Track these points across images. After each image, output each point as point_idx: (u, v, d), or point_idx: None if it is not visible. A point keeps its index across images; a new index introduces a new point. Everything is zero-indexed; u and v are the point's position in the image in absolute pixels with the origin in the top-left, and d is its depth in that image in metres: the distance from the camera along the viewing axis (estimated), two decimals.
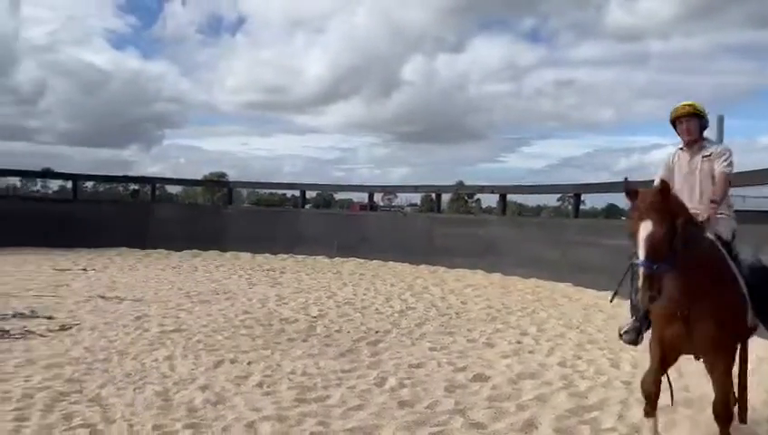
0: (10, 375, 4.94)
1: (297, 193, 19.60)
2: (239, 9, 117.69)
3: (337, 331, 7.10)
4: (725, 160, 4.00)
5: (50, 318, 7.16)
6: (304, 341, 6.55)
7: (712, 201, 3.90)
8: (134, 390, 4.68)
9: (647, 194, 3.33)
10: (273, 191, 27.80)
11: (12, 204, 17.93)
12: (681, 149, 4.18)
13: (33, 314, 7.30)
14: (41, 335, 6.33)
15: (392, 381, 5.08)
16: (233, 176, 31.95)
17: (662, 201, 3.25)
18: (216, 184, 27.14)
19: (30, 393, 4.48)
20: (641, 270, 3.16)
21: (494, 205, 16.90)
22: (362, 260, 15.02)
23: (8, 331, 6.39)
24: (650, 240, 3.17)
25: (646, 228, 3.19)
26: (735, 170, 4.19)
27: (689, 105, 4.08)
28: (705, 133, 4.24)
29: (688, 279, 3.38)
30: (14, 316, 7.15)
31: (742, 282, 3.60)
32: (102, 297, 8.82)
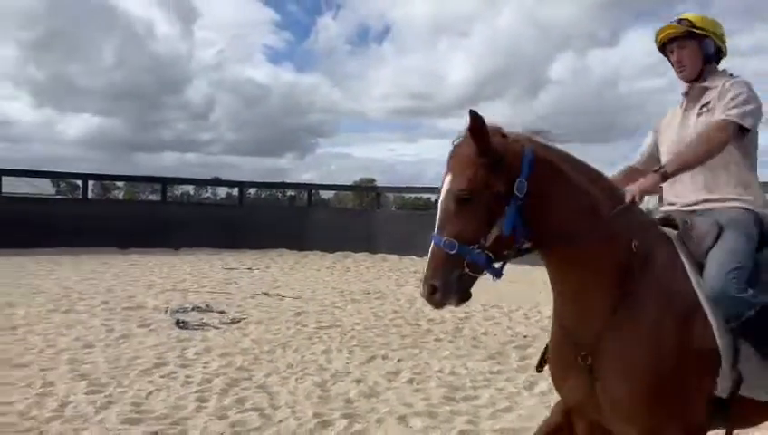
0: (191, 362, 5.55)
1: None
2: (385, 19, 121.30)
3: (483, 333, 7.11)
4: (734, 100, 2.48)
5: (222, 312, 7.90)
6: (451, 341, 6.64)
7: (657, 170, 2.45)
8: (296, 380, 5.06)
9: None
10: (419, 195, 28.26)
11: (187, 209, 19.90)
12: (684, 95, 2.77)
13: (208, 309, 8.11)
14: (215, 327, 7.02)
15: (542, 386, 5.01)
16: (380, 181, 32.92)
17: (475, 143, 2.12)
18: (366, 189, 28.18)
19: (208, 378, 5.01)
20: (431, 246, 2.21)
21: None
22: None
23: (188, 322, 7.15)
24: (445, 205, 2.22)
25: (444, 186, 2.24)
26: None
27: (684, 19, 2.64)
28: (722, 66, 2.75)
29: (589, 296, 2.21)
30: (192, 310, 7.99)
31: (710, 313, 2.17)
32: (266, 294, 9.57)
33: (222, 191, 31.37)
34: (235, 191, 22.28)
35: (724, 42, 2.69)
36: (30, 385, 4.67)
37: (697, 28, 2.61)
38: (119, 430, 3.86)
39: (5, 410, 4.10)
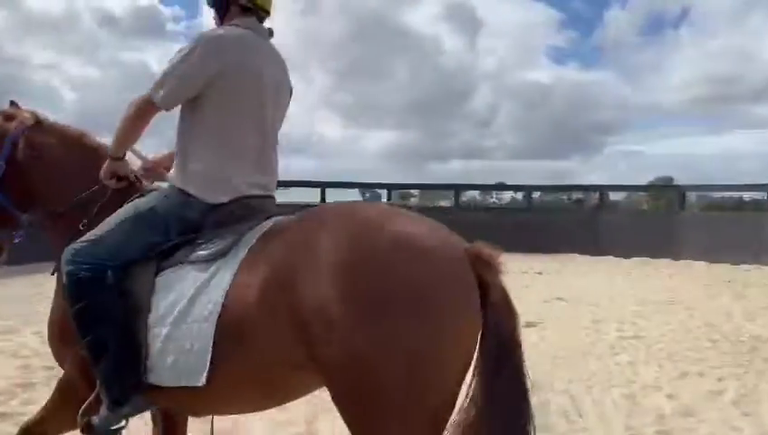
0: None
1: (762, 195, 17.20)
2: (682, 2, 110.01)
3: None
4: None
5: None
6: None
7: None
8: (601, 389, 4.90)
9: None
10: (728, 194, 24.96)
11: (477, 214, 20.63)
12: None
13: None
14: None
15: None
16: (679, 179, 29.89)
17: None
18: (663, 189, 25.93)
19: None
20: None
21: None
22: None
23: None
24: None
25: None
26: None
27: None
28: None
29: None
30: None
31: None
32: (560, 299, 9.43)
33: (507, 196, 31.83)
34: (520, 195, 22.42)
35: None
36: None
37: None
38: None
39: None
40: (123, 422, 2.09)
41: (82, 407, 2.13)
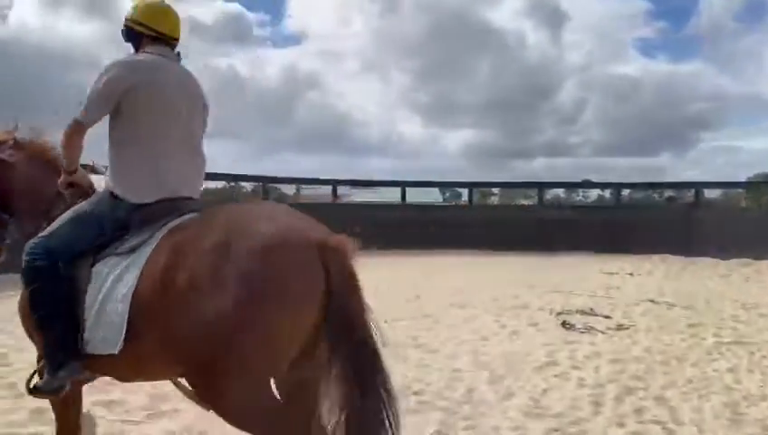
0: (581, 364, 5.57)
1: None
2: None
3: None
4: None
5: (607, 317, 7.74)
6: None
7: None
8: (698, 396, 4.64)
9: None
10: None
11: (563, 212, 20.08)
12: None
13: (593, 313, 8.03)
14: (601, 332, 6.91)
15: None
16: None
17: None
18: (765, 186, 24.30)
19: (601, 383, 4.96)
20: None
21: None
22: None
23: (573, 325, 7.21)
24: None
25: None
26: None
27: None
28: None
29: None
30: (576, 312, 8.02)
31: None
32: (652, 301, 9.02)
33: (593, 194, 30.78)
34: (608, 193, 21.60)
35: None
36: (441, 369, 5.32)
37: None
38: (521, 421, 4.11)
39: (424, 389, 4.75)
40: (63, 384, 2.48)
41: (29, 374, 2.61)
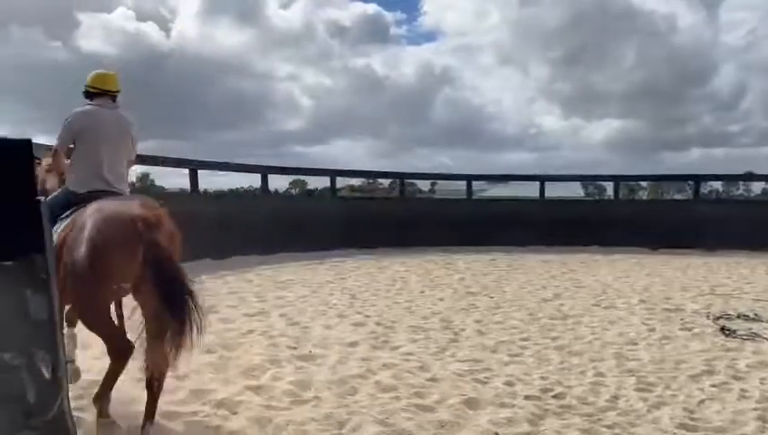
0: (744, 374, 5.06)
1: None
2: None
3: None
4: None
5: None
6: None
7: None
8: None
9: None
10: None
11: (722, 207, 18.39)
12: None
13: (757, 318, 7.26)
14: (767, 339, 6.24)
15: None
16: None
17: None
18: None
19: None
20: None
21: None
22: None
23: (734, 330, 6.56)
24: None
25: None
26: None
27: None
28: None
29: None
30: (738, 317, 7.31)
31: None
32: None
33: (757, 187, 27.95)
34: None
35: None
36: (583, 373, 5.08)
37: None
38: (675, 433, 3.81)
39: (565, 392, 4.55)
40: None
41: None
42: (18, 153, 1.13)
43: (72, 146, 4.22)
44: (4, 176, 1.09)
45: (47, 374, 1.02)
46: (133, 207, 3.43)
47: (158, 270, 3.21)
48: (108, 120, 4.23)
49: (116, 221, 3.33)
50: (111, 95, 4.36)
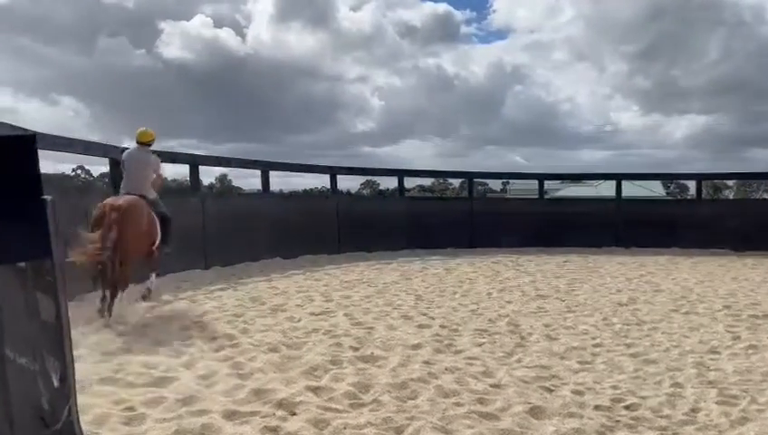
0: None
1: None
2: None
3: None
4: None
5: None
6: None
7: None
8: None
9: None
10: None
11: None
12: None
13: None
14: None
15: None
16: None
17: None
18: None
19: None
20: None
21: None
22: None
23: None
24: None
25: None
26: None
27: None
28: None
29: None
30: None
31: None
32: None
33: None
34: None
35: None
36: (659, 383, 4.78)
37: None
38: None
39: (639, 404, 4.29)
40: None
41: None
42: (23, 149, 1.10)
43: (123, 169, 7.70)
44: (9, 172, 1.06)
45: (56, 381, 1.00)
46: (118, 200, 6.70)
47: (107, 229, 6.23)
48: (137, 157, 7.59)
49: (107, 208, 6.46)
50: (141, 143, 7.67)
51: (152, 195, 7.43)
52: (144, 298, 7.39)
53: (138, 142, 7.58)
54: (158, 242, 7.30)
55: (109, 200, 6.59)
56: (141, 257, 7.12)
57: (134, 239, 6.61)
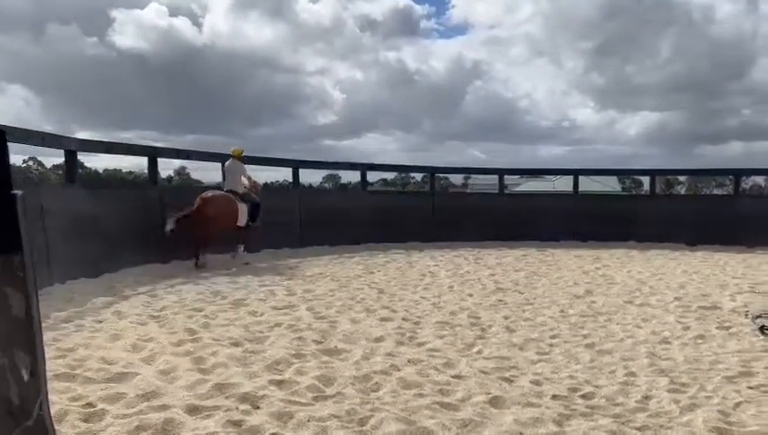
0: None
1: None
2: None
3: None
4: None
5: None
6: None
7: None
8: None
9: None
10: None
11: (761, 203, 17.80)
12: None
13: None
14: None
15: None
16: None
17: None
18: None
19: None
20: None
21: None
22: None
23: None
24: None
25: None
26: None
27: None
28: None
29: None
30: None
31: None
32: None
33: None
34: None
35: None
36: (613, 372, 4.94)
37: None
38: None
39: (594, 392, 4.43)
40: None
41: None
42: None
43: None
44: None
45: (26, 376, 0.99)
46: (208, 193, 10.82)
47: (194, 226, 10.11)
48: (229, 166, 11.49)
49: (202, 202, 10.47)
50: (234, 157, 11.55)
51: (242, 190, 11.34)
52: (233, 257, 11.13)
53: (232, 156, 11.60)
54: (243, 222, 11.05)
55: (202, 194, 10.72)
56: (228, 231, 10.86)
57: (213, 218, 10.30)
